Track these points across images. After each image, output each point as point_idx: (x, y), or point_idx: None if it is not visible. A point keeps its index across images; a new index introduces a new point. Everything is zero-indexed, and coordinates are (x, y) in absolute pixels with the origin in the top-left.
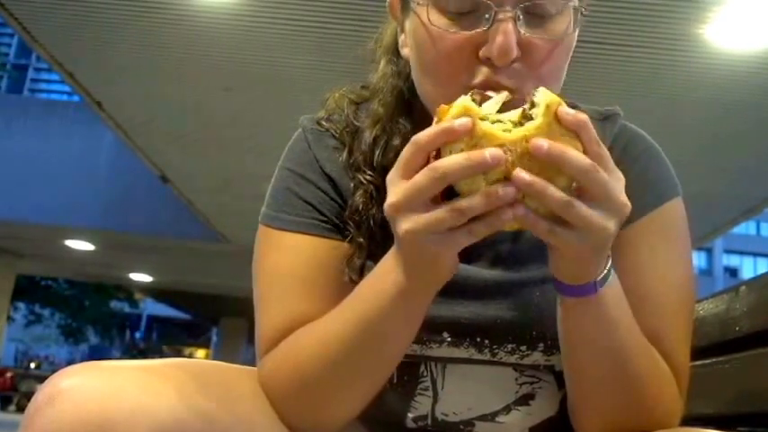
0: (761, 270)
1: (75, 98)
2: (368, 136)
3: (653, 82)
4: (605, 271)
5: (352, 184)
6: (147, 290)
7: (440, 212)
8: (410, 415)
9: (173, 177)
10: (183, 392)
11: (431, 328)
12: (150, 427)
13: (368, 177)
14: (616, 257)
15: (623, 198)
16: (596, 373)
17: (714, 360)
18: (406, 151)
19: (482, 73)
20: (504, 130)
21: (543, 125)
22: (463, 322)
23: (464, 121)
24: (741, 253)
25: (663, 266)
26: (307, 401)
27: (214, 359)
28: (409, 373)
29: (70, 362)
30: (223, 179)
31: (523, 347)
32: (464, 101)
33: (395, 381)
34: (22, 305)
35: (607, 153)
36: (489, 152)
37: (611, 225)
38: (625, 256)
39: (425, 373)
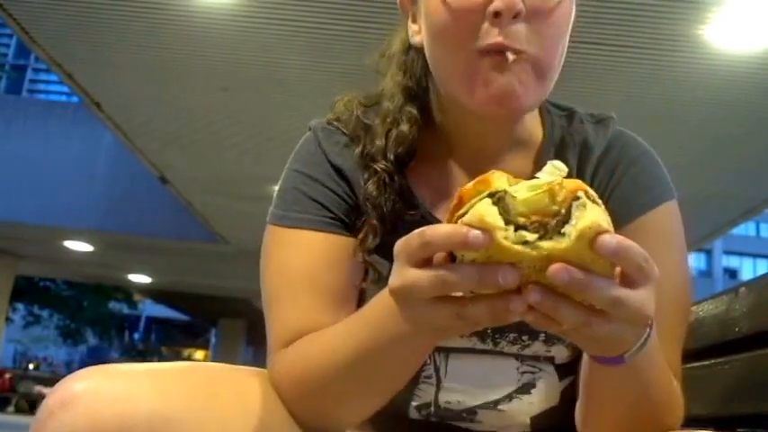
0: (760, 271)
1: (74, 99)
2: (379, 128)
3: (652, 83)
4: (642, 340)
5: (365, 175)
6: (146, 291)
7: (442, 312)
8: (413, 403)
9: (172, 178)
10: (197, 396)
11: None
12: (165, 429)
13: (381, 166)
14: None
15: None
16: (617, 409)
17: (713, 361)
18: (414, 240)
19: (489, 34)
20: (526, 243)
21: (571, 248)
22: None
23: (480, 237)
24: (740, 254)
25: (658, 268)
26: (314, 406)
27: (213, 360)
28: None
29: (69, 363)
30: (222, 180)
31: (525, 337)
32: (483, 208)
33: None
34: (20, 306)
35: (653, 269)
36: (503, 274)
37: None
38: None
39: (428, 362)
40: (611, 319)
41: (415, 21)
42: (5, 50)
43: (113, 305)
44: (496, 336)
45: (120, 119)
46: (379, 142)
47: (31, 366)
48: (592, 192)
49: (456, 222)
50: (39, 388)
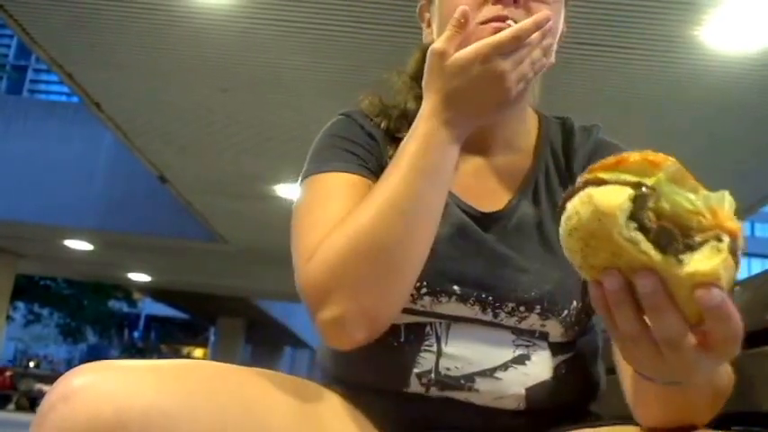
0: (755, 270)
1: (75, 99)
2: (398, 111)
3: (647, 83)
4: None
5: (389, 150)
6: (146, 289)
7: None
8: (415, 371)
9: (171, 178)
10: (197, 393)
11: (444, 279)
12: (164, 427)
13: (404, 134)
14: None
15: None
16: (667, 407)
17: None
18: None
19: (490, 10)
20: (637, 243)
21: (677, 275)
22: (470, 276)
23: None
24: None
25: None
26: (348, 296)
27: (212, 358)
28: (416, 332)
29: (69, 361)
30: (222, 180)
31: (522, 308)
32: (617, 194)
33: (402, 339)
34: (21, 305)
35: (735, 350)
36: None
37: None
38: None
39: (431, 332)
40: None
41: (430, 25)
42: (6, 51)
43: (113, 304)
44: (497, 305)
45: (120, 119)
46: (401, 119)
47: (31, 364)
48: (741, 244)
49: (584, 186)
50: (39, 386)
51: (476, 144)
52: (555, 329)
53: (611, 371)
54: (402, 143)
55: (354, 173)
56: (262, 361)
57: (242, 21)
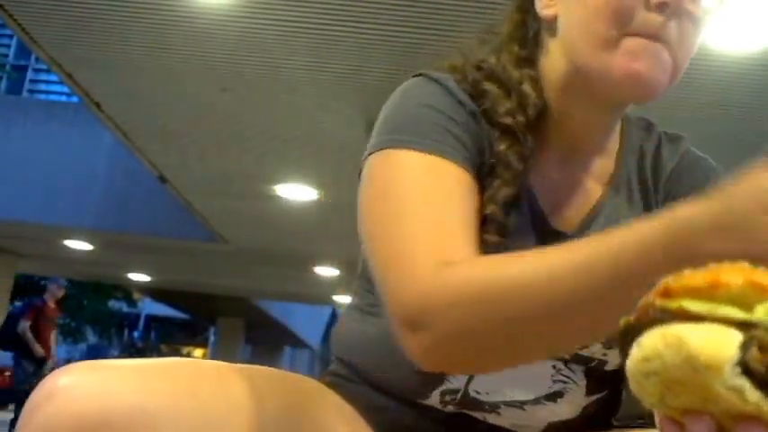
0: None
1: (75, 99)
2: (503, 90)
3: None
4: None
5: (496, 133)
6: (146, 289)
7: None
8: (440, 388)
9: (171, 178)
10: (182, 392)
11: None
12: (147, 425)
13: (509, 121)
14: None
15: None
16: None
17: None
18: None
19: (647, 19)
20: (740, 391)
21: None
22: None
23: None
24: None
25: None
26: (490, 339)
27: (212, 358)
28: None
29: (68, 361)
30: (221, 180)
31: None
32: (724, 337)
33: None
34: (20, 304)
35: None
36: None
37: None
38: None
39: None
40: None
41: None
42: (6, 51)
43: (113, 304)
44: None
45: (120, 119)
46: (509, 104)
47: None
48: None
49: (663, 315)
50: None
51: (567, 140)
52: (615, 358)
53: None
54: (616, 232)
55: (464, 168)
56: (262, 361)
57: (242, 21)
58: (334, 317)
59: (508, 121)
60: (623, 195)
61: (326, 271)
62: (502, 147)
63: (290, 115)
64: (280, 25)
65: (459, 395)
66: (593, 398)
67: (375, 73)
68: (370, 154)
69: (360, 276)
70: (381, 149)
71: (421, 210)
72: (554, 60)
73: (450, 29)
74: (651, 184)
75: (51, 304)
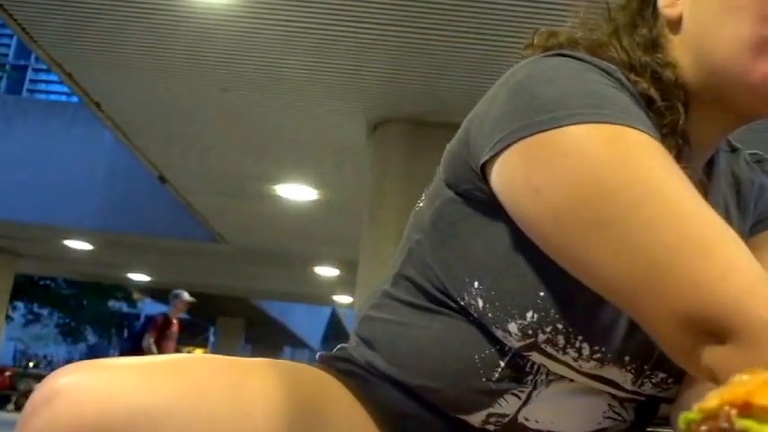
0: None
1: (75, 99)
2: (669, 76)
3: None
4: None
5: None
6: (146, 289)
7: None
8: (489, 410)
9: (171, 178)
10: (186, 393)
11: (622, 349)
12: (149, 426)
13: (678, 140)
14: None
15: None
16: None
17: None
18: None
19: None
20: None
21: None
22: (642, 347)
23: None
24: None
25: None
26: None
27: None
28: (515, 375)
29: (68, 361)
30: (221, 180)
31: (671, 380)
32: None
33: (496, 377)
34: (20, 305)
35: None
36: None
37: None
38: None
39: (529, 381)
40: None
41: None
42: (6, 50)
43: (113, 303)
44: (648, 374)
45: (120, 119)
46: (672, 115)
47: (31, 364)
48: None
49: None
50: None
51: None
52: (668, 393)
53: None
54: None
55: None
56: None
57: (243, 21)
58: (334, 317)
59: (675, 124)
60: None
61: (326, 271)
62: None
63: (289, 115)
64: (280, 25)
65: (506, 419)
66: (633, 430)
67: (375, 73)
68: (537, 132)
69: (415, 269)
70: (564, 126)
71: (699, 208)
72: (678, 58)
73: (450, 29)
74: (752, 211)
75: (175, 320)
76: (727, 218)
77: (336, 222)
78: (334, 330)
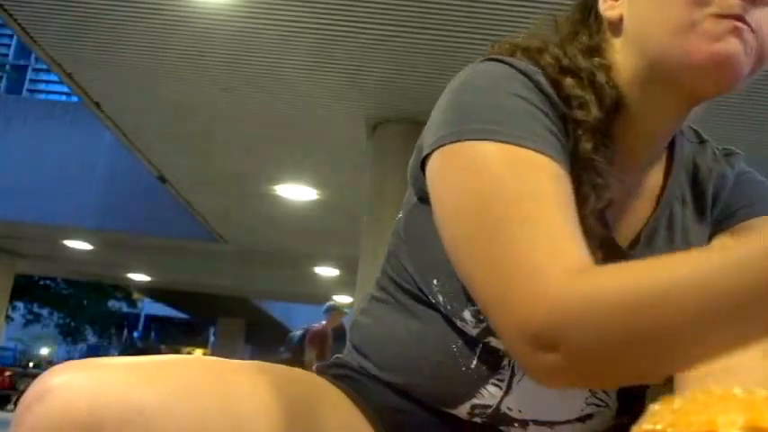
0: None
1: (75, 99)
2: (578, 82)
3: None
4: None
5: (578, 131)
6: (146, 289)
7: None
8: (472, 401)
9: (171, 178)
10: (176, 391)
11: None
12: (140, 424)
13: (592, 119)
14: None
15: None
16: None
17: None
18: None
19: (731, 3)
20: None
21: None
22: None
23: None
24: None
25: None
26: (628, 354)
27: None
28: (492, 361)
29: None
30: (221, 180)
31: None
32: None
33: (473, 366)
34: (20, 305)
35: None
36: None
37: None
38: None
39: (507, 365)
40: None
41: None
42: (6, 50)
43: (113, 303)
44: None
45: (120, 119)
46: (587, 95)
47: (30, 364)
48: None
49: None
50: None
51: (628, 141)
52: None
53: None
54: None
55: (565, 169)
56: (261, 360)
57: (243, 21)
58: None
59: (596, 122)
60: (677, 210)
61: (326, 271)
62: (587, 147)
63: (289, 115)
64: (280, 25)
65: (490, 410)
66: (620, 420)
67: (375, 73)
68: (451, 143)
69: (384, 275)
70: (469, 140)
71: (534, 211)
72: (622, 60)
73: (450, 29)
74: (710, 200)
75: (329, 331)
76: (683, 205)
77: (336, 222)
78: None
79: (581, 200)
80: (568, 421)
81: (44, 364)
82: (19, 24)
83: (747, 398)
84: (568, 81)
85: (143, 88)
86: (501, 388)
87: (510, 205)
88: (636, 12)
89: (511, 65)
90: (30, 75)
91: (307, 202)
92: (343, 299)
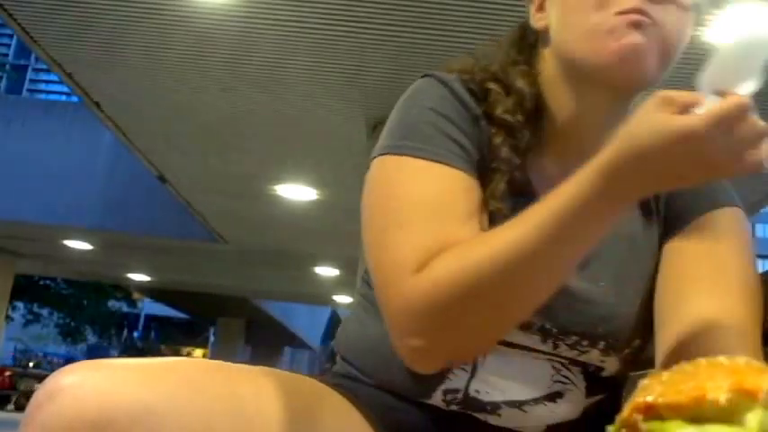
0: None
1: (75, 98)
2: (501, 88)
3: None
4: None
5: (493, 129)
6: (146, 289)
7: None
8: (442, 387)
9: (171, 178)
10: (184, 391)
11: None
12: (149, 423)
13: (509, 119)
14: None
15: None
16: None
17: None
18: None
19: (625, 1)
20: None
21: None
22: (541, 309)
23: None
24: None
25: (719, 263)
26: (474, 313)
27: (212, 359)
28: None
29: (68, 361)
30: (221, 180)
31: (585, 342)
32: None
33: None
34: (20, 305)
35: None
36: None
37: None
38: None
39: None
40: None
41: (540, 9)
42: (6, 50)
43: (113, 303)
44: (559, 336)
45: (120, 119)
46: (507, 101)
47: (31, 364)
48: None
49: None
50: (39, 386)
51: (566, 138)
52: (612, 366)
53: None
54: (556, 191)
55: (460, 168)
56: (261, 361)
57: (243, 21)
58: (334, 317)
59: (506, 117)
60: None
61: (326, 271)
62: (497, 141)
63: (289, 115)
64: (280, 25)
65: (460, 394)
66: (593, 399)
67: (375, 73)
68: (375, 157)
69: (360, 277)
70: (383, 155)
71: (410, 218)
72: (549, 64)
73: (450, 29)
74: (653, 200)
75: None
76: None
77: (336, 222)
78: (334, 331)
79: (492, 185)
80: (537, 400)
81: (44, 364)
82: (19, 24)
83: (731, 364)
84: (491, 86)
85: (143, 88)
86: (467, 371)
87: (390, 214)
88: (554, 21)
89: (433, 76)
90: (30, 75)
91: (307, 202)
92: (343, 299)
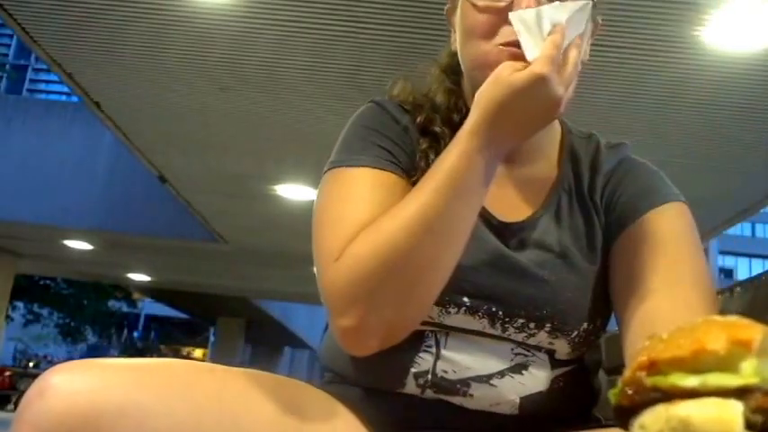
0: (756, 271)
1: (75, 98)
2: (429, 102)
3: (648, 83)
4: None
5: (422, 140)
6: (146, 289)
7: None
8: (413, 370)
9: (171, 178)
10: (173, 389)
11: (453, 289)
12: (138, 418)
13: (436, 129)
14: (621, 256)
15: None
16: None
17: None
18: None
19: (508, 32)
20: None
21: None
22: (482, 287)
23: None
24: (736, 254)
25: (669, 261)
26: (394, 282)
27: (212, 359)
28: (416, 335)
29: (68, 361)
30: (221, 180)
31: (532, 325)
32: (730, 411)
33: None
34: (20, 304)
35: None
36: None
37: None
38: (631, 251)
39: (430, 335)
40: None
41: (455, 29)
42: (6, 50)
43: (113, 303)
44: (506, 320)
45: (120, 119)
46: (431, 114)
47: (31, 364)
48: None
49: (654, 394)
50: None
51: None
52: (562, 348)
53: (614, 370)
54: (441, 157)
55: (385, 169)
56: (261, 361)
57: (243, 21)
58: None
59: (430, 126)
60: (564, 197)
61: None
62: (423, 146)
63: (289, 115)
64: (280, 25)
65: (429, 376)
66: (560, 371)
67: (375, 73)
68: (324, 173)
69: None
70: (326, 171)
71: (337, 216)
72: (465, 80)
73: (448, 29)
74: (587, 187)
75: None
76: (569, 195)
77: None
78: None
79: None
80: (502, 373)
81: (44, 364)
82: (19, 24)
83: (725, 320)
84: (418, 102)
85: (143, 88)
86: (432, 353)
87: (323, 215)
88: (458, 47)
89: (372, 101)
90: (30, 75)
91: (307, 202)
92: None
